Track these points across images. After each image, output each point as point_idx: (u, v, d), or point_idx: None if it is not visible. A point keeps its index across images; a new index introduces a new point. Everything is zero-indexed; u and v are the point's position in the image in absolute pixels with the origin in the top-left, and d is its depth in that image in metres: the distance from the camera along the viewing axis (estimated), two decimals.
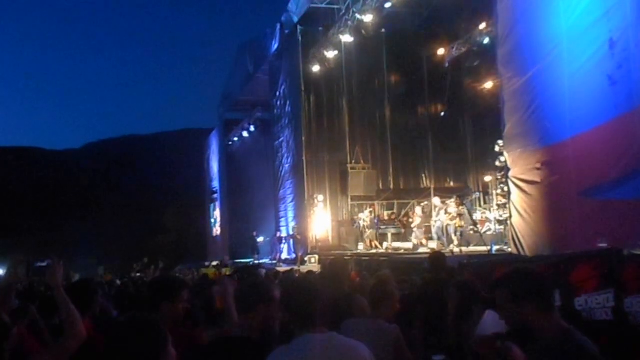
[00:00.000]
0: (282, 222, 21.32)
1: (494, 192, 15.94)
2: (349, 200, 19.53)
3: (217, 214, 32.02)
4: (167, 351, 1.87)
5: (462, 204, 14.62)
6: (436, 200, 15.02)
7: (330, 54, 17.83)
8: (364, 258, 14.09)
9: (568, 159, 8.29)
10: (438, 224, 14.39)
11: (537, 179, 8.97)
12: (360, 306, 3.78)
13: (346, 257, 14.20)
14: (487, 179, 17.94)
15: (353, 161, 19.48)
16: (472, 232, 14.75)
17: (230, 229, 28.59)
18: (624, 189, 7.22)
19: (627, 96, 7.29)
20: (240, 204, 28.09)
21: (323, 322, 2.33)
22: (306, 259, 16.89)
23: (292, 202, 20.45)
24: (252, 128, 26.81)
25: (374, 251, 16.29)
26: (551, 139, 8.71)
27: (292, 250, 19.16)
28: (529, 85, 9.15)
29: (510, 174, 9.67)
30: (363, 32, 16.09)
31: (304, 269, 13.45)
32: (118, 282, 13.15)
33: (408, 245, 15.75)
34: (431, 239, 14.84)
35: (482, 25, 17.19)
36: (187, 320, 3.12)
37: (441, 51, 19.90)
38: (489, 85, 18.20)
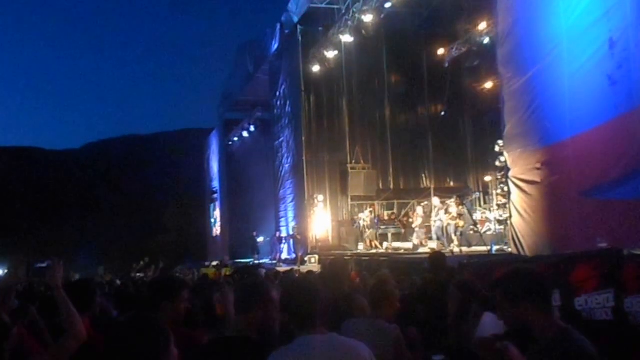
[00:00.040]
0: (282, 222, 21.33)
1: (494, 192, 15.96)
2: (349, 200, 19.54)
3: (217, 214, 32.03)
4: (170, 351, 1.86)
5: (462, 204, 14.62)
6: (435, 201, 15.02)
7: (330, 54, 17.83)
8: (364, 258, 14.09)
9: (568, 159, 8.29)
10: (438, 224, 14.39)
11: (537, 179, 8.97)
12: (360, 306, 3.78)
13: (346, 257, 14.20)
14: (487, 179, 17.97)
15: (353, 161, 19.49)
16: (472, 232, 14.76)
17: (230, 229, 28.60)
18: (624, 189, 7.22)
19: (627, 96, 7.29)
20: (240, 204, 28.10)
21: (323, 322, 2.33)
22: (306, 259, 16.90)
23: (292, 202, 20.45)
24: (252, 128, 26.81)
25: (374, 251, 16.30)
26: (551, 139, 8.71)
27: (292, 250, 19.17)
28: (529, 85, 9.15)
29: (510, 174, 9.67)
30: (363, 32, 16.09)
31: (304, 269, 13.46)
32: (118, 282, 13.13)
33: (408, 245, 15.75)
34: (431, 239, 14.85)
35: (482, 25, 17.20)
36: (187, 320, 3.12)
37: (441, 51, 19.90)
38: (489, 85, 18.22)
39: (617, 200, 7.45)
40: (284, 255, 19.99)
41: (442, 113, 20.84)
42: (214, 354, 2.56)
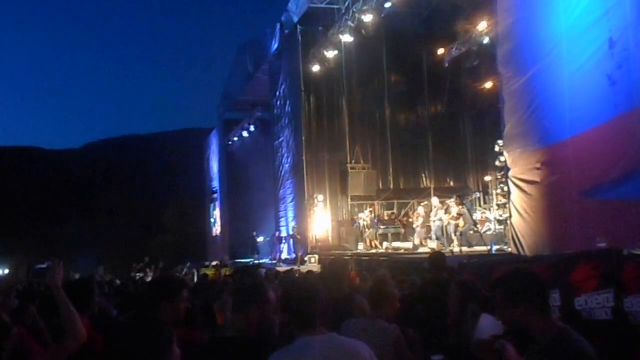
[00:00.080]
0: (282, 222, 21.33)
1: (494, 192, 15.96)
2: (349, 200, 19.54)
3: (217, 214, 32.02)
4: (172, 351, 1.86)
5: (462, 204, 14.62)
6: (435, 201, 15.02)
7: (330, 54, 17.82)
8: (364, 258, 14.09)
9: (568, 159, 8.29)
10: (438, 224, 14.39)
11: (537, 179, 8.97)
12: (360, 306, 3.78)
13: (346, 257, 14.21)
14: (487, 179, 17.97)
15: (353, 161, 19.49)
16: (472, 232, 14.76)
17: (230, 229, 28.59)
18: (624, 189, 7.22)
19: (627, 96, 7.29)
20: (240, 204, 28.08)
21: (323, 322, 2.33)
22: (306, 259, 16.90)
23: (292, 202, 20.45)
24: (252, 128, 26.80)
25: (374, 251, 16.29)
26: (551, 139, 8.71)
27: (292, 250, 19.17)
28: (528, 85, 9.15)
29: (510, 174, 9.67)
30: (363, 32, 16.08)
31: (304, 269, 13.46)
32: (118, 282, 13.14)
33: (408, 245, 15.76)
34: (431, 239, 14.85)
35: (482, 25, 17.20)
36: (187, 320, 3.12)
37: (441, 51, 19.90)
38: (489, 85, 18.22)
39: (617, 200, 7.45)
40: (284, 255, 20.00)
41: (442, 113, 20.85)
42: (213, 354, 2.56)
